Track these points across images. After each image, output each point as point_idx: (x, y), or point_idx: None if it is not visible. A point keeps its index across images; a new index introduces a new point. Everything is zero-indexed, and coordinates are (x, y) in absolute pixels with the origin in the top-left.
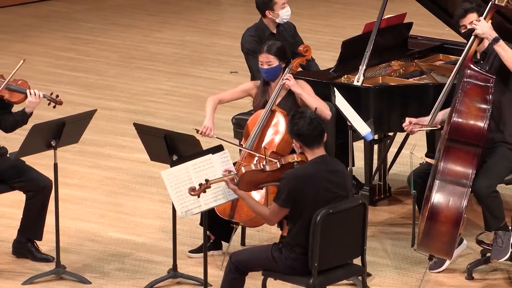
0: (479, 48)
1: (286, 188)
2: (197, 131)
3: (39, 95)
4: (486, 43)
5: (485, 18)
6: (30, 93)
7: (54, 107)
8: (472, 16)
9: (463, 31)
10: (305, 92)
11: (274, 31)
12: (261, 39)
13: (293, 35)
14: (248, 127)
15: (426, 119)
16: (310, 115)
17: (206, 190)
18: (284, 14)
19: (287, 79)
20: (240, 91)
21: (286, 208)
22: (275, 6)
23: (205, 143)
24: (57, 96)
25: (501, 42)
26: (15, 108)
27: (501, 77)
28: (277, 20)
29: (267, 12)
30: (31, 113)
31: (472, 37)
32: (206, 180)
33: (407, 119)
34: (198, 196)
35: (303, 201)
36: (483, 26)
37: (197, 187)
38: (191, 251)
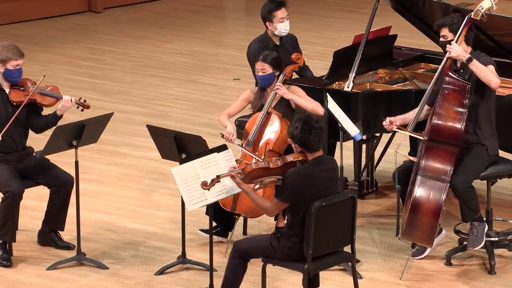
0: None
1: (290, 185)
2: (222, 135)
3: (71, 100)
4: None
5: (461, 32)
6: (64, 99)
7: (82, 110)
8: (444, 30)
9: (440, 40)
10: (297, 95)
11: (277, 43)
12: (266, 50)
13: (295, 47)
14: (247, 128)
15: (403, 117)
16: (317, 126)
17: (216, 184)
18: (282, 28)
19: (278, 88)
20: (242, 100)
21: (287, 203)
22: (274, 19)
23: (211, 143)
24: (85, 101)
25: (474, 61)
26: (45, 111)
27: (479, 86)
28: (276, 33)
29: (267, 23)
30: (61, 116)
31: (445, 59)
32: (217, 176)
33: (388, 119)
34: (209, 190)
35: (304, 198)
36: (456, 49)
37: (209, 181)
38: (201, 230)
